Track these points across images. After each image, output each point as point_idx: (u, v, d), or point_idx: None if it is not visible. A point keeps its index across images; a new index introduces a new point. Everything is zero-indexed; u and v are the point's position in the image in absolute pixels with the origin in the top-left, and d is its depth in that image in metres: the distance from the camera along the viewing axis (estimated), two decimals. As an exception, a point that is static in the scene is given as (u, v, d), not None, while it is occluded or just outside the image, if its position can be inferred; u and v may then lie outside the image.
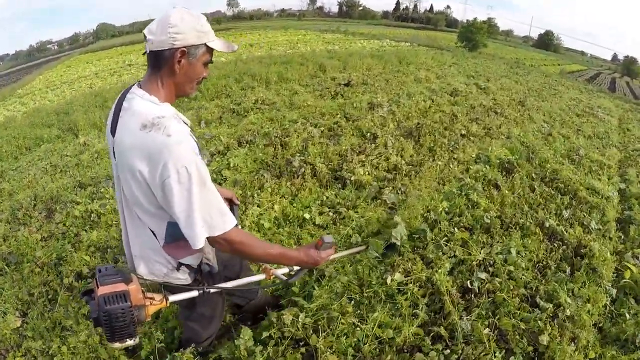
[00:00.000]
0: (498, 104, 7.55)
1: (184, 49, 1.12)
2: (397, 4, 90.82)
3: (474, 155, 4.38)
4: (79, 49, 47.26)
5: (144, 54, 1.16)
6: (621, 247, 3.09)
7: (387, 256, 2.40)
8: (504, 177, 3.85)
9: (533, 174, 4.03)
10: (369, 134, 4.56)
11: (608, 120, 8.51)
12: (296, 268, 1.48)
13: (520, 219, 3.00)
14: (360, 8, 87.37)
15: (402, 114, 5.72)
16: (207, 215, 1.12)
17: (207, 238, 1.15)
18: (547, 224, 2.97)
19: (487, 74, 12.46)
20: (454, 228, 2.73)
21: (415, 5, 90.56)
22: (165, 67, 1.14)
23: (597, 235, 3.07)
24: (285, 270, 1.52)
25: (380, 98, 6.42)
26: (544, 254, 2.64)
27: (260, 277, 1.52)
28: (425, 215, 2.78)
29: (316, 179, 3.50)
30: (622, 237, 3.22)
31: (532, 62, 25.44)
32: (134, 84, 1.20)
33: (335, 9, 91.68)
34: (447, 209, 2.94)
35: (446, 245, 2.51)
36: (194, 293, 1.30)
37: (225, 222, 1.15)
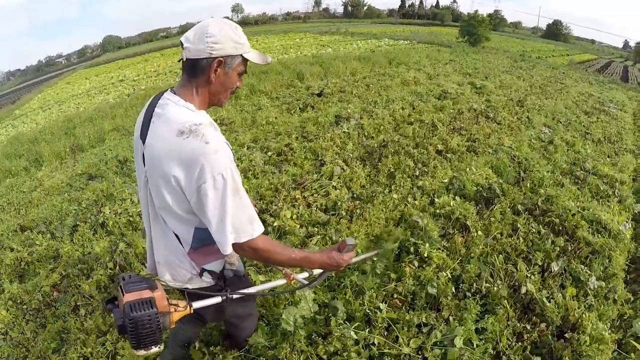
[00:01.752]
0: (492, 106, 6.70)
1: (221, 58, 1.12)
2: (403, 1, 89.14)
3: (445, 180, 3.58)
4: (85, 62, 47.91)
5: (179, 60, 1.17)
6: (629, 312, 2.29)
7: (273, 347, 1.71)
8: (479, 213, 3.05)
9: (519, 205, 3.19)
10: (320, 159, 3.84)
11: (621, 117, 7.50)
12: (317, 272, 1.47)
13: (486, 282, 2.22)
14: (366, 7, 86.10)
15: (373, 127, 4.96)
16: (238, 222, 1.11)
17: (232, 245, 1.13)
18: (523, 289, 2.19)
19: (487, 70, 11.52)
20: (383, 301, 1.99)
21: (421, 2, 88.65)
22: (202, 75, 1.14)
23: (596, 298, 2.27)
24: (306, 274, 1.48)
25: (352, 109, 5.67)
26: (508, 341, 1.87)
27: (282, 282, 1.50)
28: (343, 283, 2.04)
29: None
30: (631, 297, 2.39)
31: (539, 54, 24.01)
32: (166, 90, 1.19)
33: (340, 9, 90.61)
34: (379, 271, 2.20)
35: (361, 331, 1.78)
36: (218, 299, 1.27)
37: (254, 229, 1.14)
